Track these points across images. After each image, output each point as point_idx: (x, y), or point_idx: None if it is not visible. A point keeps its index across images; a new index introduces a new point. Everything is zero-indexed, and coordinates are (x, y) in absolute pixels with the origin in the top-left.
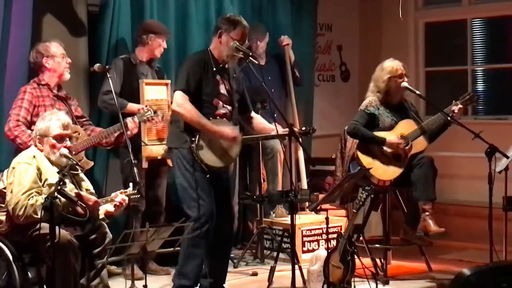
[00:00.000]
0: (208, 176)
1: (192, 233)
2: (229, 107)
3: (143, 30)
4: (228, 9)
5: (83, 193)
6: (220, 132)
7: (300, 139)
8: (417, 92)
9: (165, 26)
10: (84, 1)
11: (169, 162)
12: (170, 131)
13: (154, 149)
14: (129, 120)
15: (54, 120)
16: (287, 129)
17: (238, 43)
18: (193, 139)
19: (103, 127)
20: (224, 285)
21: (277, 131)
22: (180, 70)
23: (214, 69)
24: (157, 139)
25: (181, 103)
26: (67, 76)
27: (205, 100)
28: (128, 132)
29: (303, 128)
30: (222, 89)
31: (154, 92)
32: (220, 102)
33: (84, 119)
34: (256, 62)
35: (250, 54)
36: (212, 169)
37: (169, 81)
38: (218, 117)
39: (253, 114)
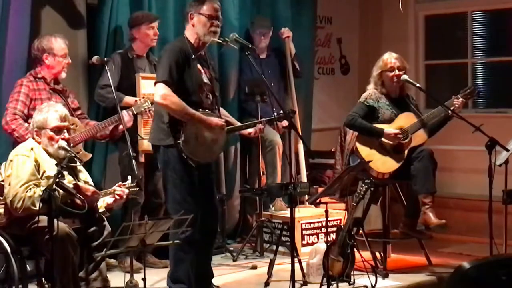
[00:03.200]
0: (196, 172)
1: (176, 238)
2: (212, 97)
3: (129, 25)
4: (227, 1)
5: (81, 184)
6: (209, 121)
7: (299, 132)
8: (417, 85)
9: (150, 13)
10: None
11: None
12: (154, 127)
13: None
14: (125, 113)
15: (51, 112)
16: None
17: (235, 37)
18: (178, 134)
19: (101, 119)
20: (212, 281)
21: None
22: (160, 61)
23: (193, 56)
24: None
25: (165, 94)
26: (63, 75)
27: (190, 92)
28: (121, 126)
29: (281, 112)
30: (205, 78)
31: (150, 86)
32: (205, 92)
33: (79, 112)
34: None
35: (250, 46)
36: (200, 164)
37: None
38: (206, 110)
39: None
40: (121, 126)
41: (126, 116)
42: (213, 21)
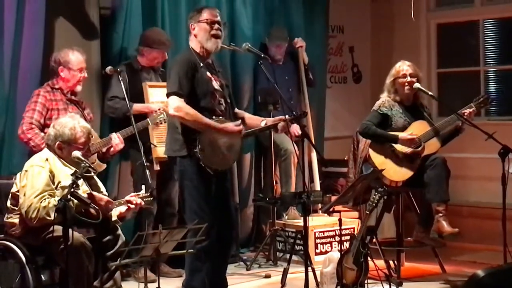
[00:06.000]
0: (213, 179)
1: (192, 248)
2: (224, 103)
3: (140, 41)
4: (240, 11)
5: (95, 193)
6: (225, 128)
7: (312, 140)
8: (430, 93)
9: (166, 38)
10: (96, 4)
11: None
12: (169, 138)
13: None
14: (114, 135)
15: (78, 127)
16: (279, 118)
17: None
18: (194, 143)
19: (114, 129)
20: None
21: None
22: (170, 73)
23: (201, 65)
24: None
25: (179, 106)
26: (78, 89)
27: (202, 100)
28: (112, 149)
29: (294, 113)
30: (215, 85)
31: (158, 94)
32: (217, 99)
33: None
34: (264, 60)
35: (262, 55)
36: (217, 171)
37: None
38: (220, 117)
39: (236, 110)
40: (112, 149)
41: (115, 138)
42: (213, 25)
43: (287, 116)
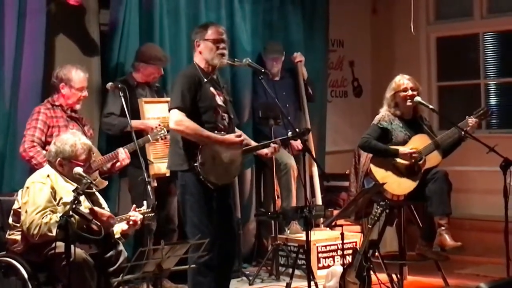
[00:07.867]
0: (214, 194)
1: (195, 262)
2: (227, 119)
3: (136, 56)
4: (239, 26)
5: (97, 208)
6: (226, 140)
7: (313, 154)
8: (431, 106)
9: (162, 54)
10: (96, 21)
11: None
12: (171, 152)
13: (162, 166)
14: (121, 150)
15: (78, 144)
16: (280, 138)
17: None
18: (195, 157)
19: (112, 145)
20: None
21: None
22: (173, 88)
23: (205, 80)
24: (163, 156)
25: (179, 120)
26: (77, 107)
27: (205, 115)
28: (118, 164)
29: (297, 130)
30: (219, 101)
31: (154, 110)
32: (220, 114)
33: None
34: (264, 74)
35: (263, 70)
36: (217, 186)
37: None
38: (221, 132)
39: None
40: (118, 164)
41: (122, 154)
42: (219, 44)
43: (289, 134)
